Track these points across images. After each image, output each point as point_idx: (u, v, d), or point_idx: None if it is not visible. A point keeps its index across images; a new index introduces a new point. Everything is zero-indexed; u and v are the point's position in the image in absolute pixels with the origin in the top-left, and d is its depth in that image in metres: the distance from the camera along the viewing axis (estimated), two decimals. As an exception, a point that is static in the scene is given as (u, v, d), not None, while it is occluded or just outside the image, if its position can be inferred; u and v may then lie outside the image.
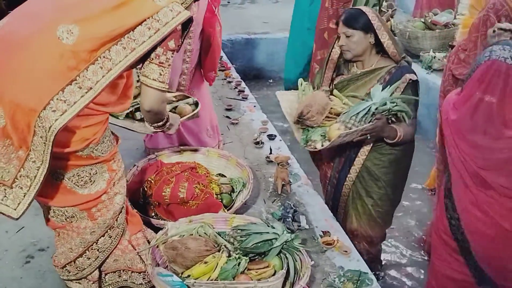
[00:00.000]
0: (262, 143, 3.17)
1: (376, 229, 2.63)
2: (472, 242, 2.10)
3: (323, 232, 2.26)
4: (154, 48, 1.60)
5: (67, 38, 1.48)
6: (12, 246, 2.21)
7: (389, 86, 2.32)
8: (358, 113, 2.25)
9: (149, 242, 1.91)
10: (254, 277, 1.73)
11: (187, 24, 1.71)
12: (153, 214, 2.28)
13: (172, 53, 1.65)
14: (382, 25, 2.36)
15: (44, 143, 1.47)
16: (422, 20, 5.08)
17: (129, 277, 1.90)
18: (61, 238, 1.77)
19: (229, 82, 4.37)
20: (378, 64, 2.46)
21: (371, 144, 2.45)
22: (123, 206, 1.81)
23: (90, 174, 1.67)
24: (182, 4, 1.75)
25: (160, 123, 1.93)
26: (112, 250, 1.82)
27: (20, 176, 1.51)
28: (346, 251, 2.14)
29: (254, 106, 3.86)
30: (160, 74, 1.64)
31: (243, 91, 4.14)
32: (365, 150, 2.47)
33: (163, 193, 2.21)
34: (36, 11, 1.61)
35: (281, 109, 2.58)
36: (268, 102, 5.43)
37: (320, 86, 2.56)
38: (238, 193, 2.41)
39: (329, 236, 2.23)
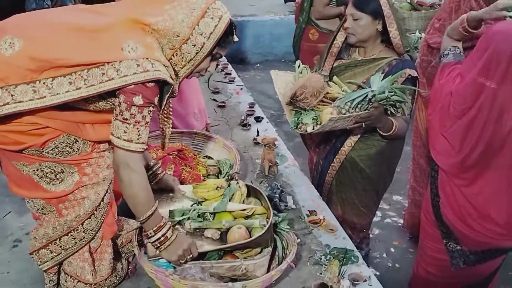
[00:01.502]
0: (249, 125, 3.18)
1: (360, 218, 2.62)
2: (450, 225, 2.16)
3: (309, 211, 2.29)
4: (110, 94, 1.52)
5: (6, 49, 1.43)
6: (-1, 230, 2.21)
7: (390, 76, 2.24)
8: (353, 99, 2.17)
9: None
10: (241, 256, 1.76)
11: (166, 86, 1.60)
12: None
13: (141, 110, 1.51)
14: (392, 13, 2.26)
15: None
16: (408, 0, 5.09)
17: (74, 286, 1.81)
18: (36, 226, 1.77)
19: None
20: (381, 54, 2.37)
21: (359, 136, 2.41)
22: (94, 213, 1.73)
23: (54, 171, 1.61)
24: (189, 61, 1.63)
25: (143, 218, 1.65)
26: (76, 251, 1.75)
27: None
28: (332, 230, 2.17)
29: (241, 88, 3.85)
30: (125, 132, 1.52)
31: (230, 74, 4.13)
32: (351, 140, 2.43)
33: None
34: (4, 22, 1.56)
35: (274, 89, 2.48)
36: (255, 84, 5.45)
37: (320, 71, 2.49)
38: (225, 174, 2.42)
39: (316, 215, 2.25)
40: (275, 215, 1.88)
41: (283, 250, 1.86)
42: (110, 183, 1.77)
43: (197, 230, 1.80)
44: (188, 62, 1.63)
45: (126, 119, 1.51)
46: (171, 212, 1.87)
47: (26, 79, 1.44)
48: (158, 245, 1.67)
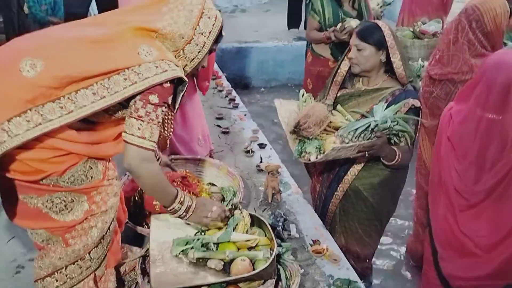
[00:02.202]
0: (253, 151, 3.19)
1: (363, 247, 2.60)
2: (440, 251, 2.18)
3: (313, 240, 2.28)
4: (130, 100, 1.56)
5: (28, 71, 1.45)
6: (2, 256, 2.21)
7: (393, 106, 2.26)
8: (356, 129, 2.19)
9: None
10: (244, 286, 1.75)
11: (179, 84, 1.66)
12: (144, 224, 2.28)
13: (155, 108, 1.57)
14: (396, 44, 2.30)
15: None
16: (411, 29, 5.15)
17: None
18: (40, 256, 1.75)
19: (220, 90, 4.39)
20: (384, 84, 2.40)
21: (362, 164, 2.41)
22: (100, 242, 1.74)
23: (65, 201, 1.62)
24: (192, 60, 1.71)
25: (170, 208, 1.78)
26: (82, 280, 1.75)
27: None
28: (335, 260, 2.16)
29: (245, 114, 3.88)
30: (139, 129, 1.56)
31: (234, 100, 4.16)
32: (355, 169, 2.43)
33: (154, 202, 2.22)
34: (13, 44, 1.59)
35: (278, 117, 2.50)
36: (259, 110, 5.48)
37: (324, 100, 2.51)
38: (229, 202, 2.42)
39: (319, 244, 2.25)
40: (278, 246, 1.88)
41: (286, 280, 1.85)
42: (116, 211, 1.78)
43: (200, 260, 1.80)
44: (191, 61, 1.72)
45: (141, 117, 1.56)
46: (174, 241, 1.87)
47: (51, 97, 1.47)
48: (185, 214, 1.80)
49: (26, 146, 1.47)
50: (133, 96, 1.55)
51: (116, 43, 1.56)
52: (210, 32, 1.70)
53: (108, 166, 1.73)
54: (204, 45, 1.70)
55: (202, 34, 1.69)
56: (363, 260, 2.66)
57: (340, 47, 3.74)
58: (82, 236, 1.69)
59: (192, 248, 1.82)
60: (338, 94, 2.52)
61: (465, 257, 2.12)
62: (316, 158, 2.24)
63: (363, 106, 2.42)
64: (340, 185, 2.49)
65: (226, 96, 4.25)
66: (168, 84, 1.59)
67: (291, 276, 1.85)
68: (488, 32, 2.38)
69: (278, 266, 1.86)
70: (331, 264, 2.13)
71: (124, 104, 1.59)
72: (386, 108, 2.23)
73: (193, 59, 1.72)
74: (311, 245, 2.25)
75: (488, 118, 1.91)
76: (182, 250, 1.82)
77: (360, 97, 2.44)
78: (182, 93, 1.70)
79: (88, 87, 1.50)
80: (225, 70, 5.22)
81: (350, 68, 2.45)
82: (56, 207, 1.62)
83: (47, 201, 1.61)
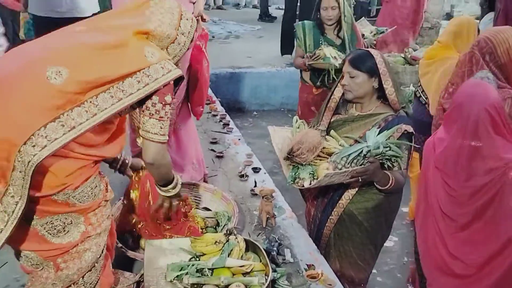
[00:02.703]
0: (247, 176, 3.20)
1: (358, 272, 2.58)
2: (428, 278, 2.20)
3: (307, 265, 2.28)
4: (144, 101, 1.68)
5: (55, 79, 1.51)
6: (-6, 282, 2.19)
7: (386, 132, 2.27)
8: (349, 155, 2.20)
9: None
10: (239, 312, 1.74)
11: (178, 80, 1.78)
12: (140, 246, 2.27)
13: (170, 106, 1.72)
14: (388, 71, 2.35)
15: (23, 178, 1.47)
16: (402, 55, 5.25)
17: None
18: (30, 280, 1.74)
19: (214, 115, 4.43)
20: (377, 109, 2.43)
21: (356, 189, 2.42)
22: (94, 266, 1.75)
23: (64, 223, 1.64)
24: (173, 57, 1.83)
25: (170, 186, 1.98)
26: None
27: None
28: (330, 284, 2.16)
29: (239, 139, 3.90)
30: (161, 128, 1.72)
31: (228, 124, 4.19)
32: (349, 194, 2.43)
33: (146, 204, 2.21)
34: (27, 52, 1.65)
35: (272, 144, 2.53)
36: (253, 135, 5.51)
37: (317, 125, 2.54)
38: (223, 227, 2.42)
39: (314, 269, 2.24)
40: (273, 271, 1.88)
41: (281, 306, 1.85)
42: (107, 234, 1.79)
43: (195, 286, 1.79)
44: (173, 59, 1.83)
45: (162, 117, 1.72)
46: (169, 266, 1.86)
47: (77, 102, 1.54)
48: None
49: (58, 154, 1.52)
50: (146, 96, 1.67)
51: (125, 48, 1.65)
52: (189, 32, 1.86)
53: (107, 186, 1.78)
54: (184, 44, 1.86)
55: (183, 34, 1.85)
56: (357, 284, 2.64)
57: (318, 74, 3.82)
58: (75, 260, 1.68)
59: (186, 273, 1.82)
60: (332, 120, 2.54)
61: (456, 278, 2.13)
62: (310, 184, 2.25)
63: (356, 131, 2.44)
64: (334, 209, 2.49)
65: (220, 121, 4.28)
66: (172, 81, 1.73)
67: (286, 301, 1.85)
68: (502, 64, 2.39)
69: (273, 291, 1.86)
70: (326, 289, 2.13)
71: (133, 105, 1.69)
72: (378, 134, 2.26)
73: (174, 56, 1.85)
74: (306, 270, 2.24)
75: (469, 145, 1.98)
76: (177, 276, 1.82)
77: (354, 123, 2.46)
78: (177, 88, 1.82)
79: (106, 90, 1.59)
80: (219, 95, 5.26)
81: (343, 94, 2.48)
82: (55, 229, 1.63)
83: (47, 223, 1.61)
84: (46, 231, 1.62)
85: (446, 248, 2.13)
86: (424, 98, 3.32)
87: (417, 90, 3.43)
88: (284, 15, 7.12)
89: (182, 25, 1.83)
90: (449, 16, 11.22)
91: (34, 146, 1.46)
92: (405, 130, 2.33)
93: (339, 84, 2.50)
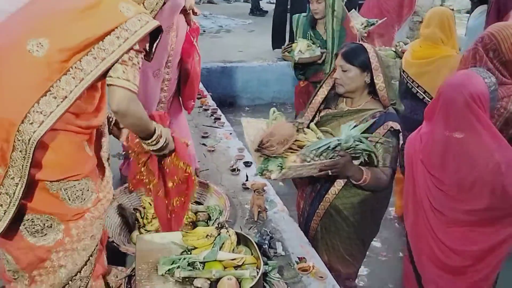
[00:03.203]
0: (239, 170, 3.20)
1: (345, 266, 2.58)
2: (423, 276, 2.22)
3: (299, 258, 2.29)
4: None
5: (37, 51, 1.50)
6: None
7: (361, 125, 2.28)
8: (318, 148, 2.18)
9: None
10: (231, 305, 1.75)
11: (157, 33, 1.73)
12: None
13: (137, 54, 1.65)
14: (380, 66, 2.34)
15: (24, 157, 1.48)
16: (393, 49, 5.27)
17: None
18: None
19: (205, 109, 4.42)
20: (366, 105, 2.42)
21: (343, 183, 2.41)
22: (68, 284, 1.74)
23: (44, 224, 1.64)
24: (151, 12, 1.78)
25: (152, 139, 1.85)
26: None
27: (0, 194, 1.51)
28: (321, 277, 2.17)
29: (230, 133, 3.90)
30: (123, 72, 1.62)
31: (219, 119, 4.19)
32: (335, 188, 2.43)
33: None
34: (5, 27, 1.64)
35: (245, 136, 2.49)
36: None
37: (300, 118, 2.55)
38: (215, 220, 2.43)
39: (305, 262, 2.26)
40: (265, 264, 1.88)
41: (272, 298, 1.86)
42: (91, 256, 1.78)
43: (187, 279, 1.79)
44: (150, 13, 1.77)
45: (125, 61, 1.61)
46: (161, 259, 1.87)
47: (63, 70, 1.52)
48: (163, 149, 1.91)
49: (55, 128, 1.53)
50: None
51: (100, 7, 1.61)
52: None
53: (99, 199, 1.75)
54: None
55: None
56: (345, 278, 2.64)
57: (300, 68, 3.89)
58: (50, 275, 1.69)
59: (178, 267, 1.82)
60: (322, 114, 2.54)
61: (451, 273, 2.15)
62: (277, 176, 2.22)
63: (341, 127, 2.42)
64: (321, 203, 2.49)
65: (212, 115, 4.27)
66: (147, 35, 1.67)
67: (277, 294, 1.86)
68: (507, 61, 2.36)
69: (265, 284, 1.87)
70: (317, 282, 2.14)
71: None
72: (355, 129, 2.25)
73: (152, 11, 1.80)
74: (297, 263, 2.26)
75: (453, 137, 1.99)
76: (169, 269, 1.82)
77: (342, 118, 2.46)
78: (157, 41, 1.76)
79: (88, 53, 1.55)
80: (210, 90, 5.25)
81: (333, 88, 2.48)
82: (33, 228, 1.63)
83: (28, 220, 1.62)
84: (25, 228, 1.63)
85: (438, 243, 2.14)
86: (429, 99, 3.25)
87: (412, 87, 3.41)
88: (275, 9, 7.10)
89: None
90: (439, 10, 11.28)
91: (32, 123, 1.46)
92: (391, 127, 2.31)
93: (329, 77, 2.50)
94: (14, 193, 1.51)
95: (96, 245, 1.80)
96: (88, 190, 1.69)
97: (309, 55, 3.81)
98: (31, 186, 1.57)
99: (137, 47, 1.64)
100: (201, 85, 4.99)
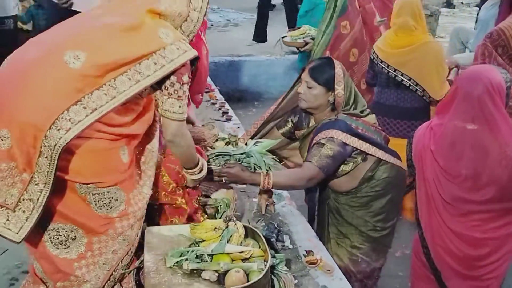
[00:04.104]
0: (246, 164, 3.20)
1: (354, 264, 2.55)
2: (443, 272, 2.20)
3: (306, 251, 2.30)
4: (166, 81, 1.69)
5: (73, 63, 1.53)
6: (-5, 269, 2.20)
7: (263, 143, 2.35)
8: (212, 153, 2.30)
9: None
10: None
11: (194, 60, 1.78)
12: None
13: (187, 86, 1.75)
14: (343, 82, 2.33)
15: (49, 163, 1.50)
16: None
17: None
18: None
19: (213, 103, 4.43)
20: (323, 120, 2.41)
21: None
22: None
23: (68, 236, 1.67)
24: (188, 35, 1.83)
25: (194, 169, 2.02)
26: None
27: (23, 200, 1.53)
28: (329, 270, 2.17)
29: (238, 127, 3.90)
30: (180, 107, 1.74)
31: (227, 113, 4.19)
32: (330, 187, 2.49)
33: None
34: (45, 40, 1.68)
35: None
36: (252, 123, 5.50)
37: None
38: (222, 214, 2.43)
39: (313, 255, 2.26)
40: (272, 257, 1.89)
41: (279, 291, 1.86)
42: (114, 271, 1.81)
43: (195, 272, 1.81)
44: (187, 37, 1.83)
45: (180, 96, 1.73)
46: (170, 252, 1.88)
47: (96, 85, 1.56)
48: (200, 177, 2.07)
49: (82, 136, 1.56)
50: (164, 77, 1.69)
51: (140, 30, 1.65)
52: (201, 7, 1.84)
53: (126, 213, 1.75)
54: (198, 20, 1.85)
55: (195, 10, 1.83)
56: (358, 280, 2.62)
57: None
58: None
59: (186, 259, 1.83)
60: (298, 135, 2.58)
61: (465, 266, 2.14)
62: None
63: (306, 147, 2.47)
64: (320, 202, 2.56)
65: (219, 109, 4.28)
66: (188, 62, 1.74)
67: (285, 286, 1.87)
68: None
69: (272, 277, 1.87)
70: (325, 275, 2.15)
71: (154, 85, 1.71)
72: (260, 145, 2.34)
73: (189, 34, 1.84)
74: (305, 256, 2.26)
75: (468, 128, 1.96)
76: (177, 262, 1.83)
77: (305, 139, 2.49)
78: (194, 67, 1.83)
79: (124, 73, 1.60)
80: (218, 84, 5.25)
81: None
82: (57, 238, 1.66)
83: (53, 229, 1.65)
84: (49, 238, 1.66)
85: (451, 236, 2.12)
86: (414, 85, 3.34)
87: (396, 76, 3.43)
88: (260, 4, 7.09)
89: (193, 1, 1.82)
90: (448, 4, 11.17)
91: (59, 129, 1.48)
92: (331, 137, 2.27)
93: (292, 90, 2.54)
94: (38, 199, 1.53)
95: (120, 261, 1.82)
96: (117, 200, 1.71)
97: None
98: (60, 187, 1.59)
99: (187, 79, 1.73)
100: (209, 79, 4.99)
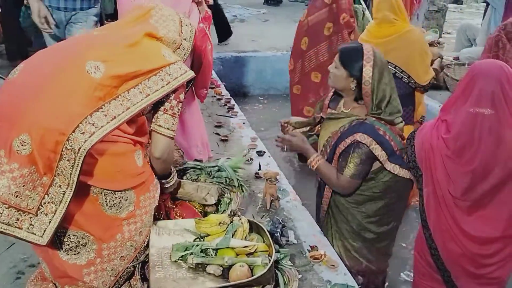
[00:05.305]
0: (251, 159, 3.21)
1: (354, 262, 2.53)
2: (452, 271, 2.19)
3: (311, 246, 2.30)
4: (164, 98, 1.78)
5: (94, 73, 1.60)
6: (2, 262, 2.22)
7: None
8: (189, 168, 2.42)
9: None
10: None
11: (189, 82, 1.90)
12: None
13: (177, 104, 1.83)
14: (372, 75, 2.24)
15: (72, 166, 1.52)
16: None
17: None
18: None
19: (219, 99, 4.43)
20: (353, 111, 2.38)
21: None
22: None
23: (79, 242, 1.70)
24: (184, 56, 1.96)
25: (168, 178, 2.06)
26: None
27: (45, 203, 1.55)
28: (333, 265, 2.18)
29: (244, 123, 3.91)
30: (173, 124, 1.83)
31: (233, 108, 4.20)
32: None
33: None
34: (62, 48, 1.77)
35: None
36: (258, 118, 5.51)
37: (318, 113, 2.62)
38: (223, 211, 2.42)
39: (317, 250, 2.27)
40: (276, 252, 1.90)
41: (284, 286, 1.86)
42: (120, 278, 1.84)
43: (199, 266, 1.82)
44: None
45: (175, 113, 1.83)
46: (173, 246, 1.89)
47: (113, 95, 1.64)
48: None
49: (109, 139, 1.64)
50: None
51: (141, 47, 1.76)
52: (190, 37, 2.00)
53: (134, 215, 1.78)
54: (187, 49, 1.99)
55: (185, 39, 1.97)
56: (355, 275, 2.57)
57: None
58: None
59: (191, 253, 1.84)
60: (328, 111, 2.56)
61: (480, 264, 2.14)
62: None
63: (328, 130, 2.45)
64: (323, 199, 2.55)
65: (225, 105, 4.28)
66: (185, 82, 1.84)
67: (289, 281, 1.88)
68: None
69: (276, 271, 1.88)
70: (329, 270, 2.15)
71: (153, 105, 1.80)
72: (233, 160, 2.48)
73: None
74: (309, 251, 2.27)
75: (483, 114, 1.93)
76: (182, 256, 1.84)
77: (331, 120, 2.47)
78: (187, 90, 1.92)
79: (135, 86, 1.69)
80: (224, 79, 5.26)
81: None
82: (68, 244, 1.69)
83: (64, 235, 1.67)
84: (60, 243, 1.68)
85: (464, 233, 2.10)
86: (400, 72, 3.39)
87: None
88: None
89: (183, 31, 1.96)
90: (456, 0, 11.10)
91: (83, 133, 1.52)
92: (355, 140, 2.25)
93: None
94: (60, 201, 1.56)
95: (127, 268, 1.84)
96: (126, 200, 1.74)
97: None
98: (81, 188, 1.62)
99: (183, 97, 1.83)
100: (214, 75, 5.01)
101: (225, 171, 2.39)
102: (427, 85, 3.46)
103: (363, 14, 4.18)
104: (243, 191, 2.37)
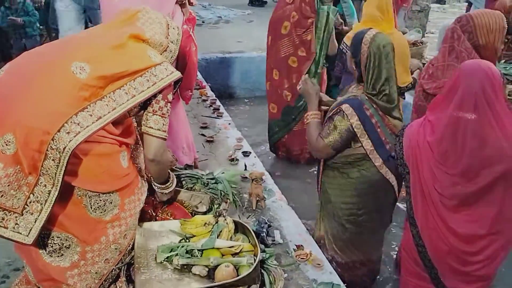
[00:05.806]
0: (237, 159, 3.22)
1: (343, 252, 2.61)
2: (439, 269, 2.21)
3: (296, 246, 2.31)
4: (150, 100, 1.80)
5: (80, 73, 1.60)
6: (-14, 267, 2.20)
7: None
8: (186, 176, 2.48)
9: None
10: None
11: (177, 82, 1.89)
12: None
13: (166, 104, 1.84)
14: (370, 52, 2.35)
15: (57, 165, 1.53)
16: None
17: None
18: None
19: (204, 100, 4.43)
20: (352, 90, 2.53)
21: (331, 177, 2.60)
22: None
23: (63, 244, 1.70)
24: (171, 58, 1.97)
25: (167, 184, 2.08)
26: None
27: (30, 202, 1.55)
28: (319, 264, 2.19)
29: (229, 123, 3.91)
30: (163, 124, 1.84)
31: (218, 109, 4.20)
32: (325, 181, 2.63)
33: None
34: (48, 49, 1.77)
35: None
36: (243, 119, 5.52)
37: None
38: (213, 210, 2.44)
39: (303, 249, 2.28)
40: (262, 252, 1.91)
41: (270, 285, 1.88)
42: (105, 281, 1.84)
43: (185, 267, 1.82)
44: None
45: (164, 114, 1.84)
46: (159, 248, 1.89)
47: (98, 96, 1.64)
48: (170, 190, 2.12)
49: (94, 139, 1.64)
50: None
51: (126, 48, 1.77)
52: (177, 40, 2.01)
53: (118, 217, 1.79)
54: (174, 52, 2.00)
55: (172, 42, 1.98)
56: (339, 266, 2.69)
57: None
58: None
59: (176, 255, 1.84)
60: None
61: (467, 262, 2.16)
62: None
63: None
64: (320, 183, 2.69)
65: (211, 106, 4.28)
66: (172, 83, 1.85)
67: (275, 281, 1.89)
68: (479, 46, 2.40)
69: (262, 271, 1.89)
70: (315, 269, 2.16)
71: (140, 104, 1.81)
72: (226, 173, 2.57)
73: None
74: (295, 250, 2.28)
75: (466, 119, 1.96)
76: (167, 257, 1.84)
77: (339, 95, 2.64)
78: (175, 90, 1.94)
79: (121, 87, 1.70)
80: (209, 80, 5.25)
81: None
82: (51, 246, 1.68)
83: (47, 237, 1.67)
84: (44, 245, 1.68)
85: (451, 231, 2.13)
86: None
87: None
88: None
89: (170, 34, 1.97)
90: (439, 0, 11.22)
91: (68, 133, 1.52)
92: (339, 109, 2.40)
93: None
94: (46, 201, 1.56)
95: (111, 271, 1.84)
96: (111, 203, 1.74)
97: None
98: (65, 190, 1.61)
99: (171, 98, 1.84)
100: (200, 76, 5.00)
101: (221, 183, 2.43)
102: (404, 88, 3.49)
103: (328, 14, 4.16)
104: (236, 206, 2.45)
